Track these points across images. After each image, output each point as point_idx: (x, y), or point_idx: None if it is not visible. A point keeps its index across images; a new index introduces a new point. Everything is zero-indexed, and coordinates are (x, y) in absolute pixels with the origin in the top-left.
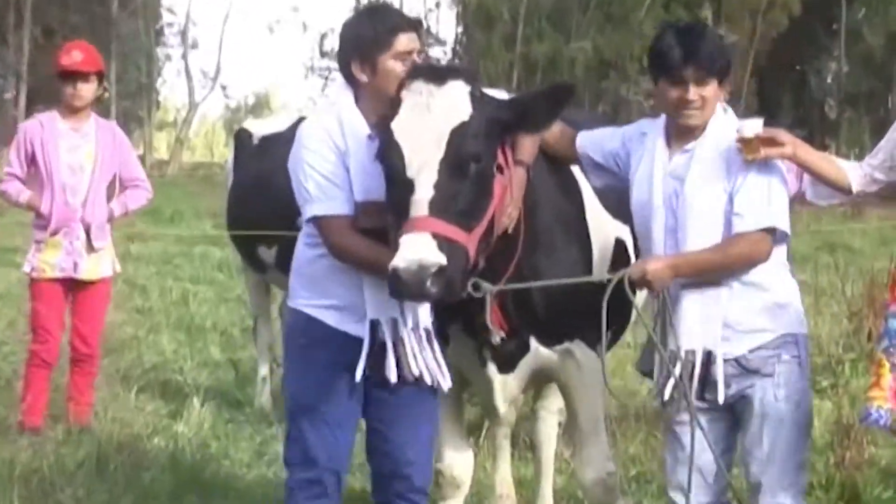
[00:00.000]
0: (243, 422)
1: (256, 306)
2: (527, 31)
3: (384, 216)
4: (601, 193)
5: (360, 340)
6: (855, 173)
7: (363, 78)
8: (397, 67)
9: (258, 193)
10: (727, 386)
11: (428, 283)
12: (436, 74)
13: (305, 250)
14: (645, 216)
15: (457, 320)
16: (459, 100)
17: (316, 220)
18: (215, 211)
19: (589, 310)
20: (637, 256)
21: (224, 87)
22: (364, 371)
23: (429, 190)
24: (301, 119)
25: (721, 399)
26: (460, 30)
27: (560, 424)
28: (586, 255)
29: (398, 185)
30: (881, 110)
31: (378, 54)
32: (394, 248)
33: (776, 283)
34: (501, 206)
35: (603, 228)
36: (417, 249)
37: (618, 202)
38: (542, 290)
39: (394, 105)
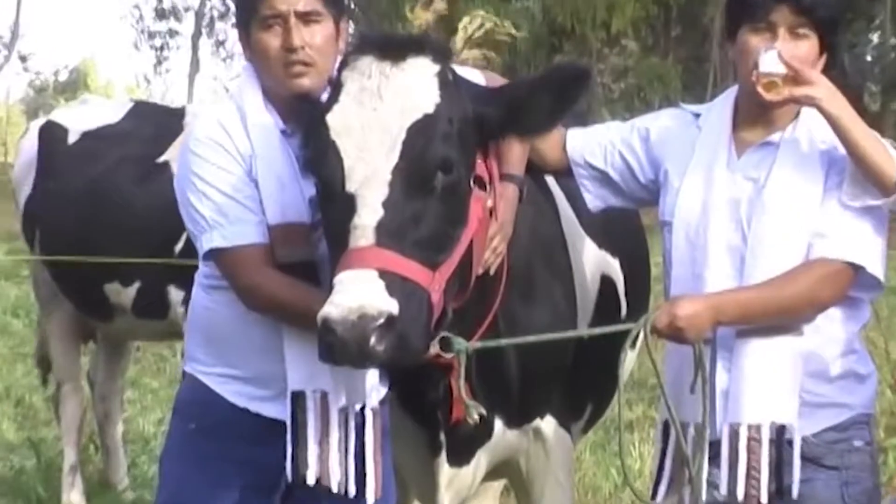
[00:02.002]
0: None
1: (62, 368)
2: None
3: (310, 244)
4: (582, 213)
5: (277, 425)
6: None
7: (246, 55)
8: (265, 38)
9: (91, 212)
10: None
11: (372, 341)
12: (391, 49)
13: (202, 297)
14: (695, 230)
15: (396, 389)
16: (423, 85)
17: (216, 255)
18: (11, 231)
19: (563, 375)
20: (629, 301)
21: (24, 59)
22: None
23: (376, 210)
24: (139, 105)
25: (795, 493)
26: None
27: None
28: (570, 299)
29: (335, 203)
30: None
31: (249, 22)
32: (327, 289)
33: (861, 346)
34: (482, 235)
35: (585, 261)
36: (358, 293)
37: (604, 225)
38: (518, 351)
39: (331, 91)
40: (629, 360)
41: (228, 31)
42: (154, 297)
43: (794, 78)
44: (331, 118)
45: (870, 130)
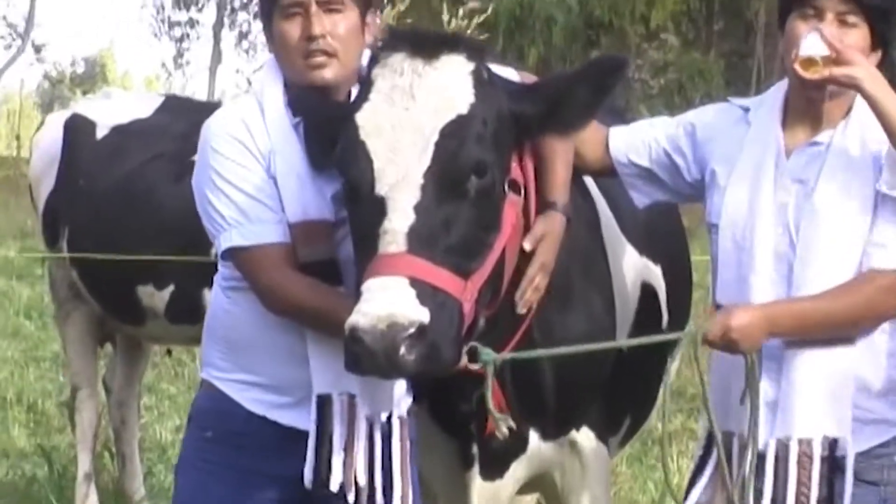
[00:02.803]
0: None
1: (79, 372)
2: None
3: (332, 242)
4: (623, 218)
5: (297, 435)
6: None
7: (271, 50)
8: (286, 27)
9: (123, 211)
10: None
11: (402, 351)
12: (424, 45)
13: (222, 300)
14: (741, 233)
15: (426, 401)
16: (457, 84)
17: (235, 254)
18: (24, 228)
19: (601, 386)
20: (671, 309)
21: (39, 49)
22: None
23: (408, 215)
24: (170, 99)
25: None
26: None
27: None
28: (608, 307)
29: (364, 206)
30: None
31: (272, 14)
32: (351, 291)
33: None
34: (515, 241)
35: (625, 268)
36: (388, 301)
37: (646, 231)
38: (555, 360)
39: (361, 89)
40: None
41: (251, 21)
42: (189, 302)
43: (836, 60)
44: (360, 117)
45: None
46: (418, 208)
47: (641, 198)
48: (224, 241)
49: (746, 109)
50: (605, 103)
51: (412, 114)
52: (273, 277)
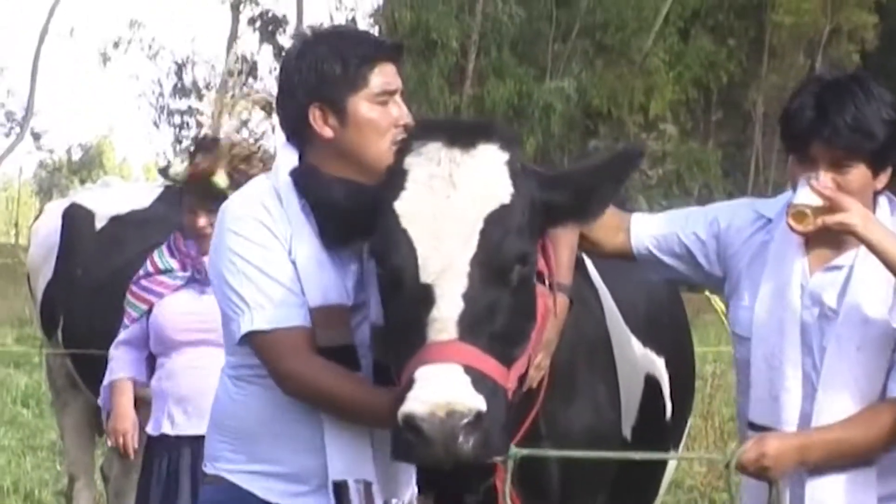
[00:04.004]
0: None
1: (75, 461)
2: (481, 64)
3: (350, 327)
4: (627, 310)
5: None
6: None
7: (326, 132)
8: (381, 111)
9: (119, 301)
10: None
11: (460, 439)
12: (460, 134)
13: (231, 389)
14: (771, 351)
15: (432, 492)
16: (495, 173)
17: (255, 338)
18: (22, 316)
19: (606, 483)
20: (674, 401)
21: (38, 136)
22: None
23: (457, 303)
24: (170, 189)
25: None
26: None
27: None
28: (613, 400)
29: (406, 293)
30: None
31: (348, 95)
32: (402, 385)
33: None
34: (543, 331)
35: (630, 359)
36: (445, 388)
37: (649, 323)
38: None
39: (392, 177)
40: (671, 464)
41: (251, 109)
42: None
43: (829, 207)
44: (400, 206)
45: None
46: (466, 296)
47: (653, 275)
48: (244, 324)
49: (769, 220)
50: (618, 193)
51: (454, 202)
52: (295, 363)
